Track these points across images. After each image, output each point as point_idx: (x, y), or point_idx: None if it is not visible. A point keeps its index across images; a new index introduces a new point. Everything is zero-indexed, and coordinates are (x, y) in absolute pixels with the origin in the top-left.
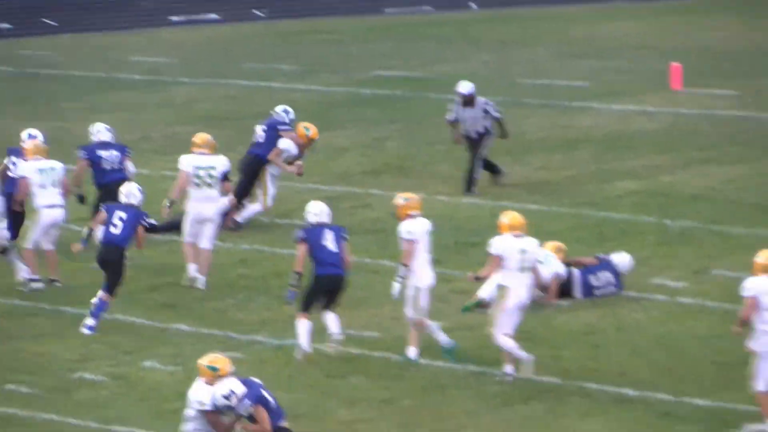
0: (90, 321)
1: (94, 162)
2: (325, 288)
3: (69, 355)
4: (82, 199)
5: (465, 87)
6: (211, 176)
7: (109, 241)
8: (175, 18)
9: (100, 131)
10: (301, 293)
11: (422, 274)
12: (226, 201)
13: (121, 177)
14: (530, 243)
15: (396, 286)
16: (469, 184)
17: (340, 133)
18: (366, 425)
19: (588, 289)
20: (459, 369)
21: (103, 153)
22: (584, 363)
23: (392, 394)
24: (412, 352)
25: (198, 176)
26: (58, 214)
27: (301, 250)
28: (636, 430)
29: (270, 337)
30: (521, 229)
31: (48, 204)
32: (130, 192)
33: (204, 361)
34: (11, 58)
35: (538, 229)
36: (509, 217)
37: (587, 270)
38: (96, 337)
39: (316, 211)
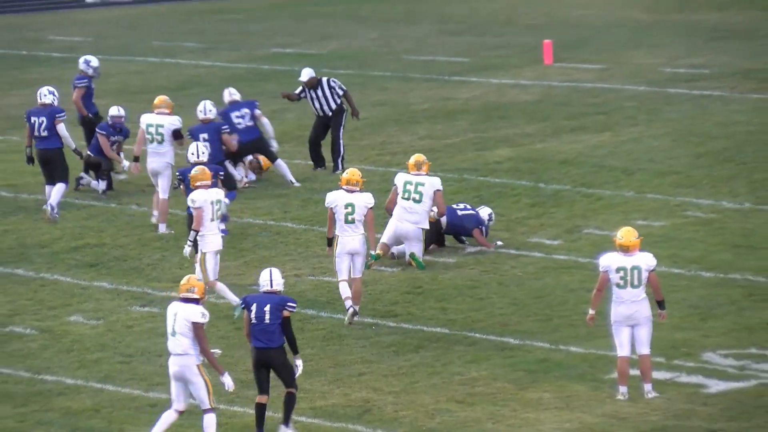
0: None
1: None
2: None
3: None
4: None
5: (304, 75)
6: (159, 133)
7: None
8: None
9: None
10: None
11: (209, 240)
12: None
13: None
14: (355, 198)
15: (186, 249)
16: (336, 164)
17: None
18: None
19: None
20: (356, 321)
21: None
22: (469, 314)
23: None
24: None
25: (149, 133)
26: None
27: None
28: (517, 375)
29: None
30: (352, 185)
31: None
32: None
33: (187, 282)
34: None
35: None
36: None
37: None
38: (24, 294)
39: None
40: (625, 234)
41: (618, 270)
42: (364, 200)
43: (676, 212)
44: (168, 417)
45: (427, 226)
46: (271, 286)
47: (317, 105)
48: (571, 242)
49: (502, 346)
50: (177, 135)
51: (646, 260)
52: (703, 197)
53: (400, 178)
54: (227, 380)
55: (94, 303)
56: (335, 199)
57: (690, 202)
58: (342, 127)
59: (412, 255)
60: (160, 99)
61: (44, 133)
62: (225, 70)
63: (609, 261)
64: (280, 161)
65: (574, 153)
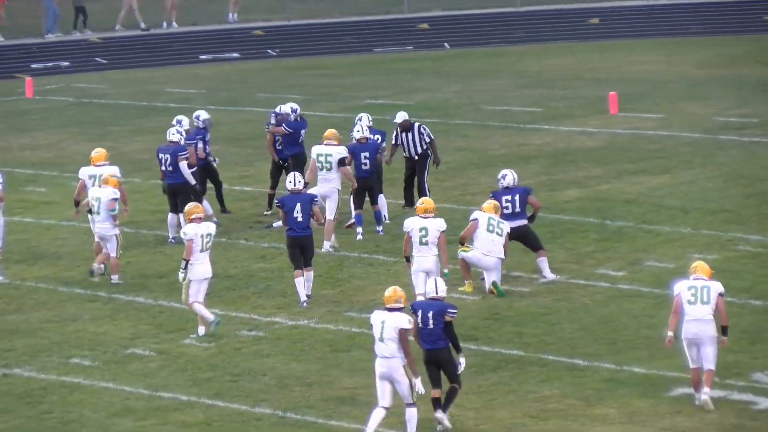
0: None
1: None
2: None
3: (122, 334)
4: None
5: (399, 117)
6: (328, 161)
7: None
8: (203, 56)
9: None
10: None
11: (196, 268)
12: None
13: None
14: (428, 223)
15: (180, 275)
16: (412, 201)
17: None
18: (365, 391)
19: None
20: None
21: None
22: (542, 338)
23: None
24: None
25: (319, 162)
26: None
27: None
28: (586, 393)
29: (285, 318)
30: (428, 212)
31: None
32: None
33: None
34: (69, 90)
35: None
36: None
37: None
38: (144, 319)
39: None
40: (699, 264)
41: (689, 288)
42: (437, 225)
43: (727, 246)
44: (378, 414)
45: (504, 257)
46: (437, 293)
47: (406, 147)
48: (633, 273)
49: (572, 367)
50: (342, 163)
51: (715, 285)
52: (752, 233)
53: (483, 216)
54: (419, 384)
55: (206, 327)
56: (411, 224)
57: (740, 238)
58: (427, 171)
59: (493, 284)
60: (329, 132)
61: (170, 168)
62: (324, 119)
63: (682, 284)
64: (382, 196)
65: (636, 193)
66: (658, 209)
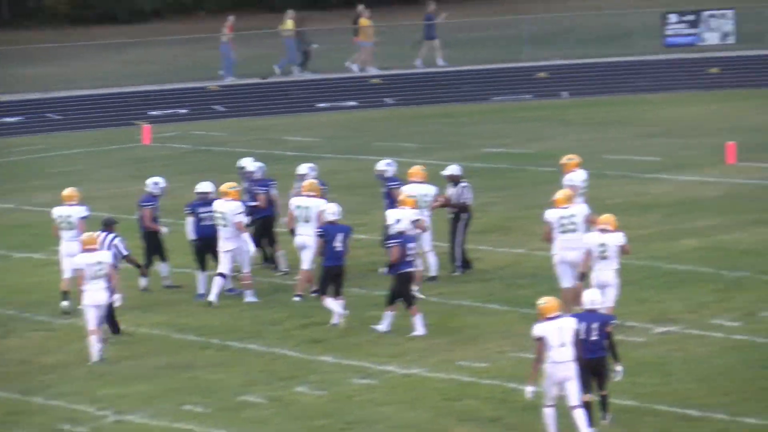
0: None
1: None
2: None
3: (235, 381)
4: None
5: (447, 170)
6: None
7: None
8: (320, 104)
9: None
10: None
11: (88, 294)
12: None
13: None
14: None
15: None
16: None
17: None
18: None
19: None
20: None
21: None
22: (656, 388)
23: (498, 414)
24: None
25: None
26: None
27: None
28: None
29: (398, 367)
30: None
31: None
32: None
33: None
34: (187, 137)
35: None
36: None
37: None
38: (257, 366)
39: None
40: None
41: None
42: (615, 240)
43: None
44: (551, 414)
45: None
46: (594, 305)
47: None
48: (750, 324)
49: (686, 417)
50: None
51: None
52: None
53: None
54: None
55: (320, 375)
56: (591, 240)
57: None
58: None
59: None
60: (415, 169)
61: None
62: (440, 167)
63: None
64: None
65: (755, 243)
66: None
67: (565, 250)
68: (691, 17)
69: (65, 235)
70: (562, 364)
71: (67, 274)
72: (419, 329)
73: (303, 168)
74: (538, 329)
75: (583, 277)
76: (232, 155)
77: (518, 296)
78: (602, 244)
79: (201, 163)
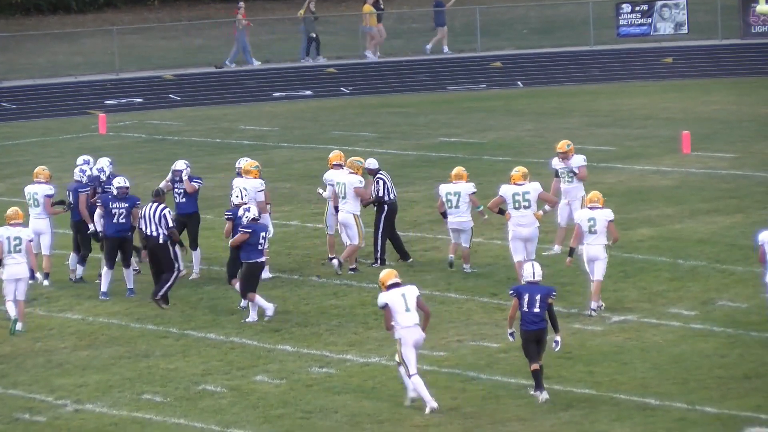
0: None
1: None
2: None
3: (193, 370)
4: None
5: (370, 163)
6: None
7: None
8: (276, 94)
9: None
10: None
11: (7, 269)
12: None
13: None
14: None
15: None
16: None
17: (411, 188)
18: (436, 429)
19: None
20: (512, 382)
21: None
22: (614, 377)
23: (457, 403)
24: None
25: (449, 200)
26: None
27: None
28: None
29: (357, 356)
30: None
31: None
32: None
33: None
34: (143, 126)
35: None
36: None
37: None
38: (215, 356)
39: None
40: None
41: None
42: (605, 215)
43: None
44: (419, 381)
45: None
46: (534, 277)
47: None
48: (706, 313)
49: (644, 406)
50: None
51: None
52: None
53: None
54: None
55: (278, 364)
56: (582, 215)
57: None
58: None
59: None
60: (458, 169)
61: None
62: (397, 157)
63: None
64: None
65: (709, 233)
66: (731, 249)
67: (518, 226)
68: (644, 7)
69: (32, 212)
70: (410, 328)
71: (34, 251)
72: (253, 315)
73: (180, 164)
74: (381, 298)
75: (572, 252)
76: (187, 144)
77: (477, 285)
78: (591, 219)
79: (154, 152)
